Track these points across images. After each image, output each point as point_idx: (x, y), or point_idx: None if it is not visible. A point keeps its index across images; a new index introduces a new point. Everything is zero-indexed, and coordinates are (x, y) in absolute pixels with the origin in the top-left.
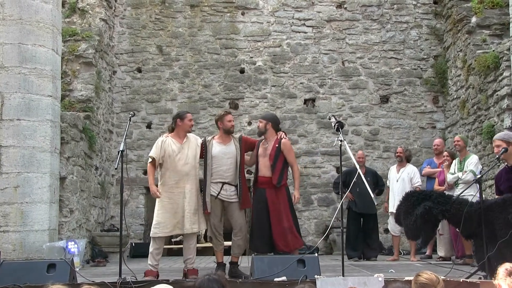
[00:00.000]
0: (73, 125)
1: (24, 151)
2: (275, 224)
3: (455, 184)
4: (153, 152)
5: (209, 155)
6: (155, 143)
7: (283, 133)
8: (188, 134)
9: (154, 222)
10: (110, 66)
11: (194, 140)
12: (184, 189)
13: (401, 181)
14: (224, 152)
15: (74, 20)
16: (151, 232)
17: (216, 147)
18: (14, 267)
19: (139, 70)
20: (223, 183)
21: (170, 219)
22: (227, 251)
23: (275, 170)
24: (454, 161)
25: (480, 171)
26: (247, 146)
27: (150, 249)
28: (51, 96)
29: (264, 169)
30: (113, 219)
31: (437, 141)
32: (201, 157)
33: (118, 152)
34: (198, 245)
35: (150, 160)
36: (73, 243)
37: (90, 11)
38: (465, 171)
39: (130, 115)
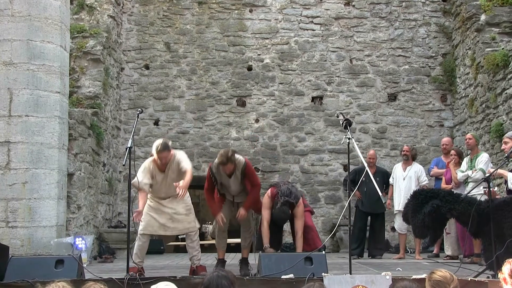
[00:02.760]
0: (81, 121)
1: (32, 147)
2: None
3: (465, 182)
4: (142, 177)
5: (218, 185)
6: (141, 167)
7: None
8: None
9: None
10: (118, 63)
11: (176, 160)
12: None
13: (408, 179)
14: (231, 181)
15: (82, 17)
16: (139, 229)
17: (222, 177)
18: (23, 262)
19: (147, 67)
20: (234, 196)
21: (155, 220)
22: (232, 248)
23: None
24: (465, 159)
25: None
26: (246, 177)
27: (135, 246)
28: (59, 92)
29: None
30: (120, 215)
31: (445, 140)
32: (210, 185)
33: (126, 148)
34: (205, 242)
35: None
36: (80, 239)
37: (98, 8)
38: (475, 169)
39: (138, 112)
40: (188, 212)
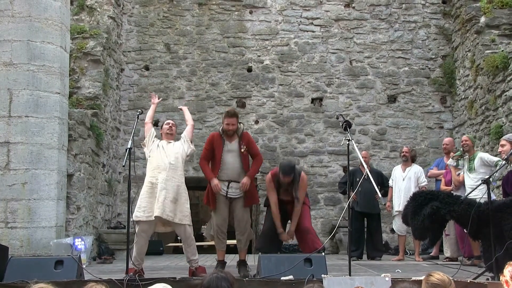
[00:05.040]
0: (81, 122)
1: (32, 148)
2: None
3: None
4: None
5: (216, 157)
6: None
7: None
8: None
9: (136, 206)
10: (117, 63)
11: (179, 144)
12: (165, 176)
13: (408, 180)
14: (228, 149)
15: (83, 18)
16: (134, 214)
17: (223, 148)
18: (22, 263)
19: (147, 68)
20: (230, 181)
21: (151, 205)
22: (232, 249)
23: None
24: (465, 158)
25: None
26: (247, 144)
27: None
28: (59, 93)
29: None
30: (119, 216)
31: (447, 140)
32: (207, 154)
33: (126, 149)
34: (204, 243)
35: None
36: (80, 240)
37: (98, 9)
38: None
39: (138, 113)
40: (184, 202)
